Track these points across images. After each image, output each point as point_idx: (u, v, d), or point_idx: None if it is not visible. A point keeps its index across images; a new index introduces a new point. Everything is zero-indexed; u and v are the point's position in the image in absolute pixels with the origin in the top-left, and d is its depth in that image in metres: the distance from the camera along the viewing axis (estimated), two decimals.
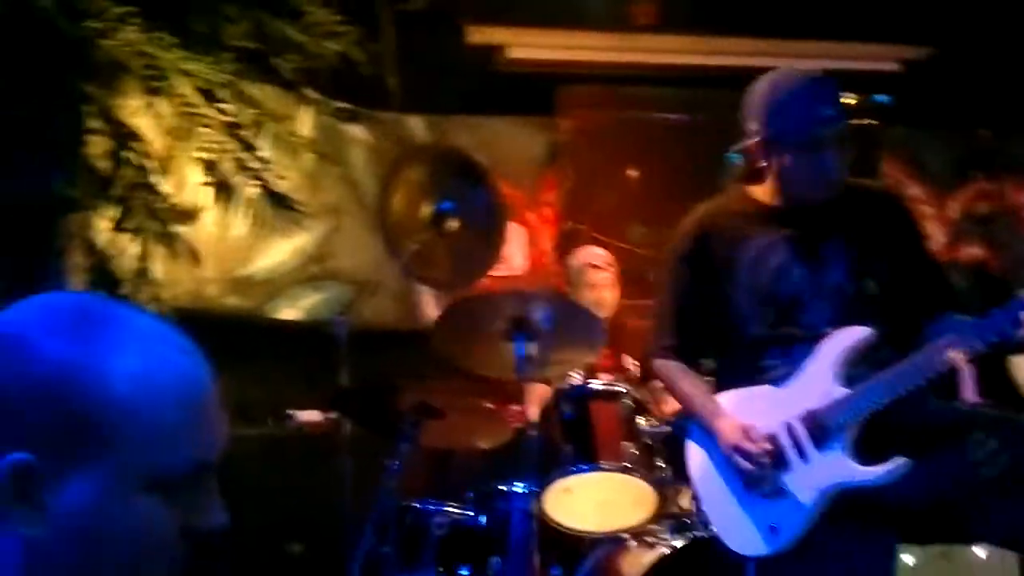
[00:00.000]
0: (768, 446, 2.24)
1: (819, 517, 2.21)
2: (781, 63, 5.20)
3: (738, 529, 2.31)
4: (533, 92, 5.22)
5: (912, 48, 5.44)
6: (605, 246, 4.67)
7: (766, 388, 2.34)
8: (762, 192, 2.43)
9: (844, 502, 2.20)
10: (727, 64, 5.15)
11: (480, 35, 5.14)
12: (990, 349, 2.15)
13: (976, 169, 4.13)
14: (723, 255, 2.40)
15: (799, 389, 2.28)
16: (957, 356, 2.11)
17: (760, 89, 2.39)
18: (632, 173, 5.11)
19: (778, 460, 2.25)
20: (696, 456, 2.44)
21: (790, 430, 2.24)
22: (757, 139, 2.38)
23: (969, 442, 2.24)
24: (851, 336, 2.26)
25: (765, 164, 2.38)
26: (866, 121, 5.44)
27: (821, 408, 2.23)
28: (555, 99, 5.25)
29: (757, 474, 2.26)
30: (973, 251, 4.43)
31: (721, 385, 2.46)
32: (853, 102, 5.52)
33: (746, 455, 2.25)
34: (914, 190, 4.98)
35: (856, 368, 2.25)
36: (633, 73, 5.29)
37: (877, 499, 2.18)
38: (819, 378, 2.26)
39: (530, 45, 5.21)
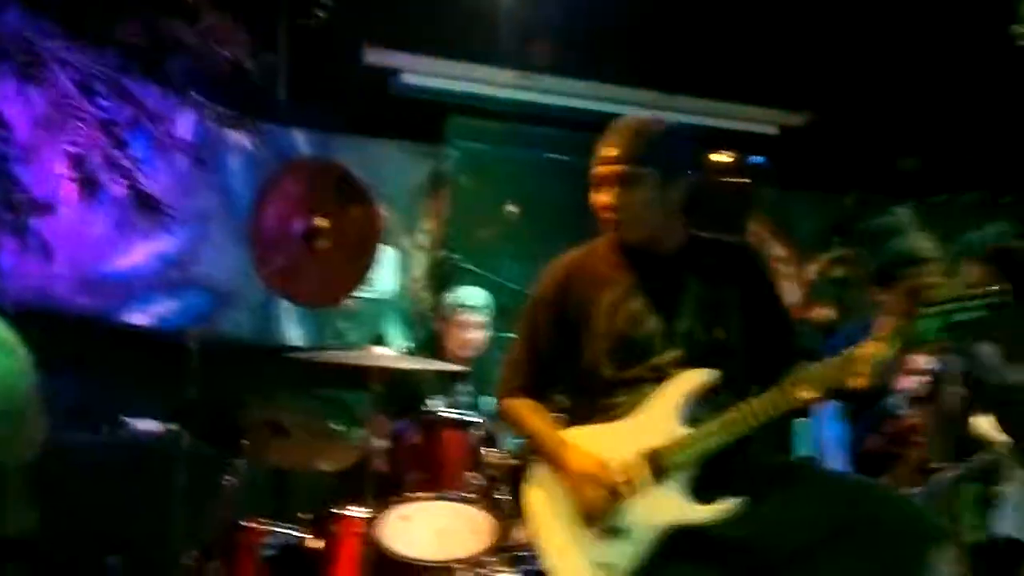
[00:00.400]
0: (622, 479, 2.27)
1: (654, 555, 2.25)
2: (665, 114, 5.45)
3: (571, 567, 2.33)
4: (423, 119, 5.24)
5: (790, 114, 5.67)
6: (476, 278, 4.70)
7: (609, 425, 2.37)
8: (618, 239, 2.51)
9: (680, 540, 2.24)
10: (616, 112, 5.24)
11: (377, 57, 5.14)
12: (827, 395, 2.22)
13: (836, 235, 4.32)
14: (582, 300, 2.44)
15: (641, 427, 2.32)
16: (800, 398, 2.19)
17: None
18: (512, 209, 5.17)
19: (616, 497, 2.29)
20: (535, 493, 2.46)
21: (630, 467, 2.29)
22: None
23: (795, 496, 2.29)
24: (695, 378, 2.32)
25: None
26: (739, 179, 5.64)
27: (661, 447, 2.29)
28: (444, 128, 5.28)
29: (597, 510, 2.28)
30: (825, 312, 4.62)
31: (571, 423, 2.49)
32: (730, 160, 5.74)
33: (600, 484, 2.27)
34: (777, 249, 5.18)
35: (699, 409, 2.30)
36: (523, 111, 5.36)
37: (713, 538, 2.22)
38: (661, 417, 2.31)
39: (426, 72, 5.23)
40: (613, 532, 2.28)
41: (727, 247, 2.51)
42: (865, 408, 3.41)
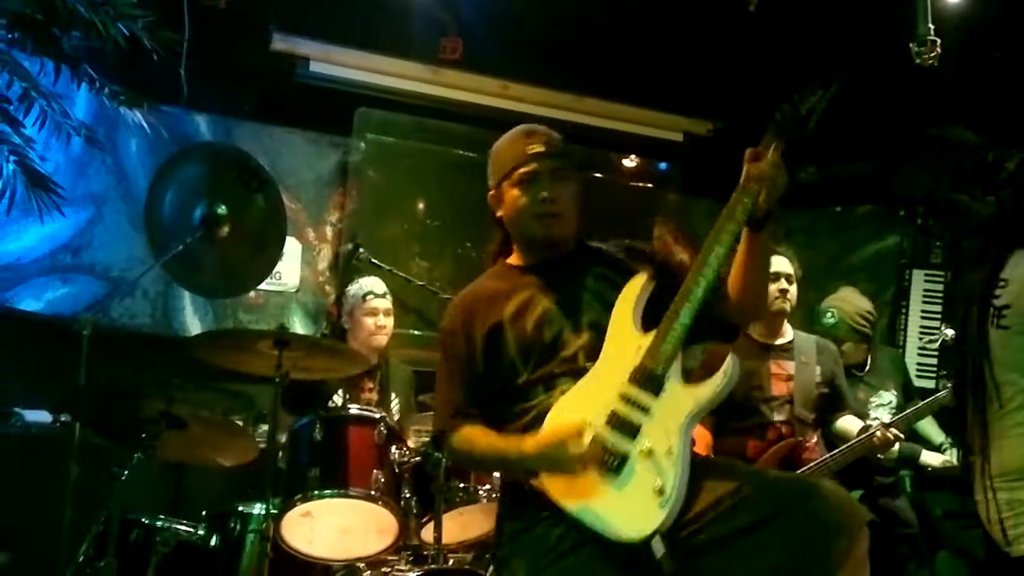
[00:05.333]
0: (587, 438, 2.17)
1: (689, 453, 2.16)
2: (573, 116, 5.49)
3: (624, 512, 2.15)
4: (331, 109, 5.14)
5: (695, 122, 5.78)
6: (382, 273, 4.66)
7: (578, 386, 2.28)
8: (514, 259, 2.54)
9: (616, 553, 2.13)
10: (524, 111, 5.29)
11: (285, 44, 5.02)
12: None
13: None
14: (487, 321, 2.43)
15: (610, 364, 2.27)
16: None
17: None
18: (419, 205, 5.13)
19: (623, 429, 2.19)
20: (549, 487, 2.23)
21: (624, 397, 2.21)
22: (491, 191, 2.50)
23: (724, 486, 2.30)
24: (636, 284, 2.33)
25: (500, 215, 2.49)
26: (643, 184, 5.74)
27: (643, 362, 2.22)
28: (352, 120, 5.20)
29: (608, 453, 2.17)
30: None
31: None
32: (634, 164, 5.83)
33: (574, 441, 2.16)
34: (681, 255, 5.27)
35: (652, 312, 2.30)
36: (433, 105, 5.32)
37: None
38: (623, 342, 2.27)
39: (335, 62, 5.14)
40: (645, 456, 2.17)
41: (612, 246, 2.57)
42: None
